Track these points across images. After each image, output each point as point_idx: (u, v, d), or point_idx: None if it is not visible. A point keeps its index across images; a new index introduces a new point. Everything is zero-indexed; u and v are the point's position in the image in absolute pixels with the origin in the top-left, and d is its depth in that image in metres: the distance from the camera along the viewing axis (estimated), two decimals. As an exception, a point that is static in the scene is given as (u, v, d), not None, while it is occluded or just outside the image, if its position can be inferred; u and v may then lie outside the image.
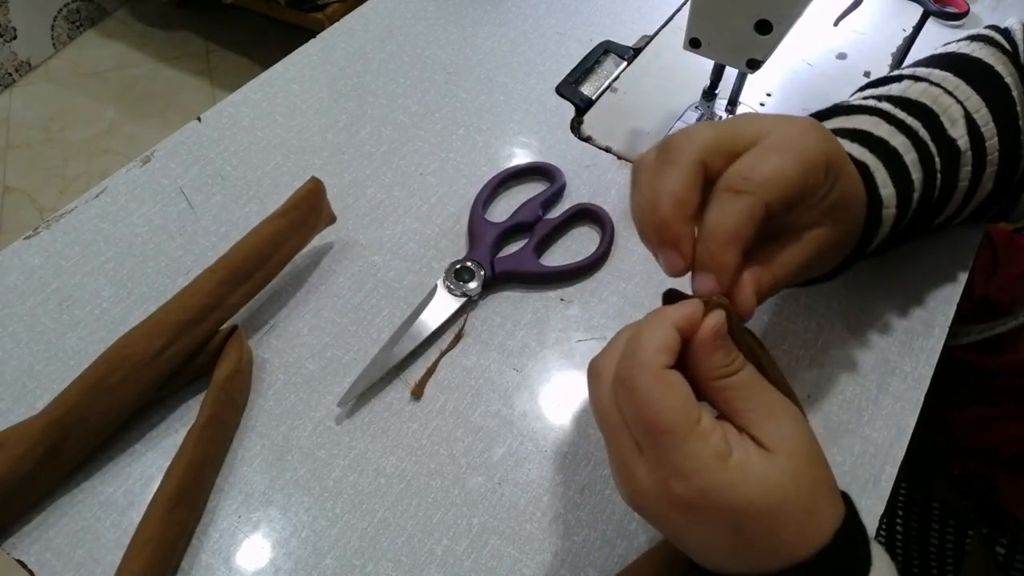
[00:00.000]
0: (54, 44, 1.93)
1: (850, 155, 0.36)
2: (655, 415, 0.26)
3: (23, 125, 1.78)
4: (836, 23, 0.66)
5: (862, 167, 0.36)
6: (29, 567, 0.37)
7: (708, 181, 0.30)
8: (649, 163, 0.31)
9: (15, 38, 1.83)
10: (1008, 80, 0.41)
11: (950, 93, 0.40)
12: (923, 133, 0.38)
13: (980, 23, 0.66)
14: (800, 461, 0.27)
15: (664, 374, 0.27)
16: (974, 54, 0.42)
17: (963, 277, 0.48)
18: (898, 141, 0.38)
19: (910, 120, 0.39)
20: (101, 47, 1.97)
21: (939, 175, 0.39)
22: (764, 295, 0.31)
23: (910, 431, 0.41)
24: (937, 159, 0.38)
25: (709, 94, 0.57)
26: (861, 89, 0.45)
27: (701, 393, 0.29)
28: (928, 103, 0.40)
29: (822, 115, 0.41)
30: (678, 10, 0.68)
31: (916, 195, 0.38)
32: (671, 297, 0.31)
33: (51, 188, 1.65)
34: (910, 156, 0.37)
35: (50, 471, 0.38)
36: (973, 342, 0.55)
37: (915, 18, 0.67)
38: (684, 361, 0.29)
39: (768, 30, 0.45)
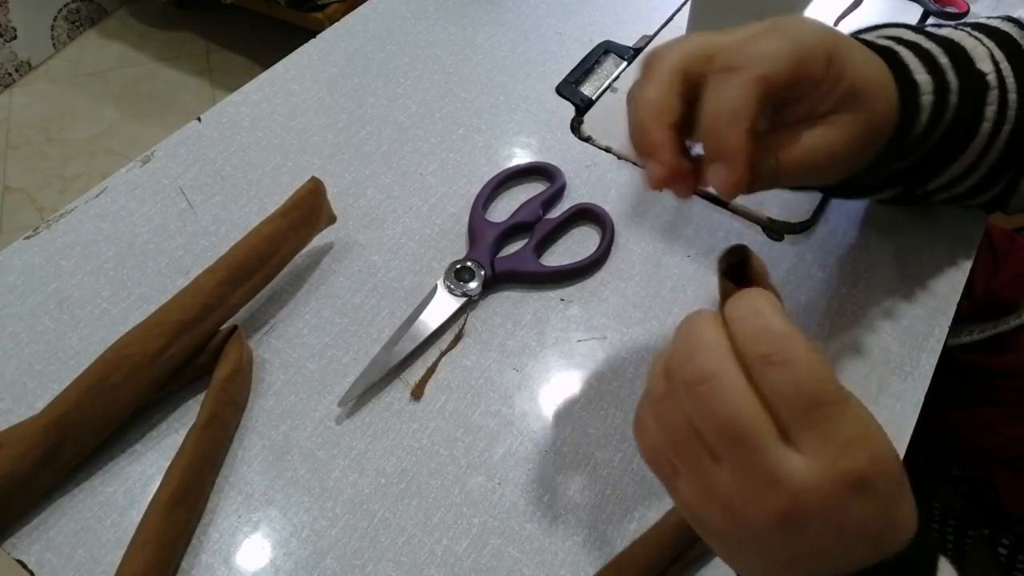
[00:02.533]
0: (54, 44, 1.93)
1: (872, 43, 0.35)
2: (821, 383, 0.24)
3: (23, 125, 1.78)
4: (836, 23, 0.66)
5: (888, 53, 0.35)
6: (29, 567, 0.37)
7: (694, 88, 0.29)
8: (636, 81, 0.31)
9: (15, 38, 1.83)
10: None
11: (977, 39, 0.40)
12: (955, 52, 0.38)
13: (980, 23, 0.66)
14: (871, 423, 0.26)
15: (741, 379, 0.25)
16: (992, 24, 0.42)
17: (964, 276, 0.48)
18: (930, 45, 0.37)
19: (936, 47, 0.38)
20: (101, 47, 1.96)
21: (970, 96, 0.38)
22: (765, 177, 0.31)
23: (911, 431, 0.41)
24: (965, 84, 0.37)
25: (709, 94, 0.57)
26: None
27: None
28: (955, 39, 0.39)
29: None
30: (678, 10, 0.68)
31: (954, 94, 0.36)
32: (731, 258, 0.29)
33: (51, 188, 1.65)
34: (943, 60, 0.37)
35: (50, 471, 0.38)
36: (974, 342, 0.55)
37: (915, 18, 0.67)
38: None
39: (768, 30, 0.45)
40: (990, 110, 0.39)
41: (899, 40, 0.37)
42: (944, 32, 0.40)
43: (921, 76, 0.35)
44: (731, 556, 0.28)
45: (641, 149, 0.29)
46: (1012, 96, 0.40)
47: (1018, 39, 0.41)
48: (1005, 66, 0.40)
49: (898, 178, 0.41)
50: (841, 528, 0.25)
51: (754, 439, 0.24)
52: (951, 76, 0.37)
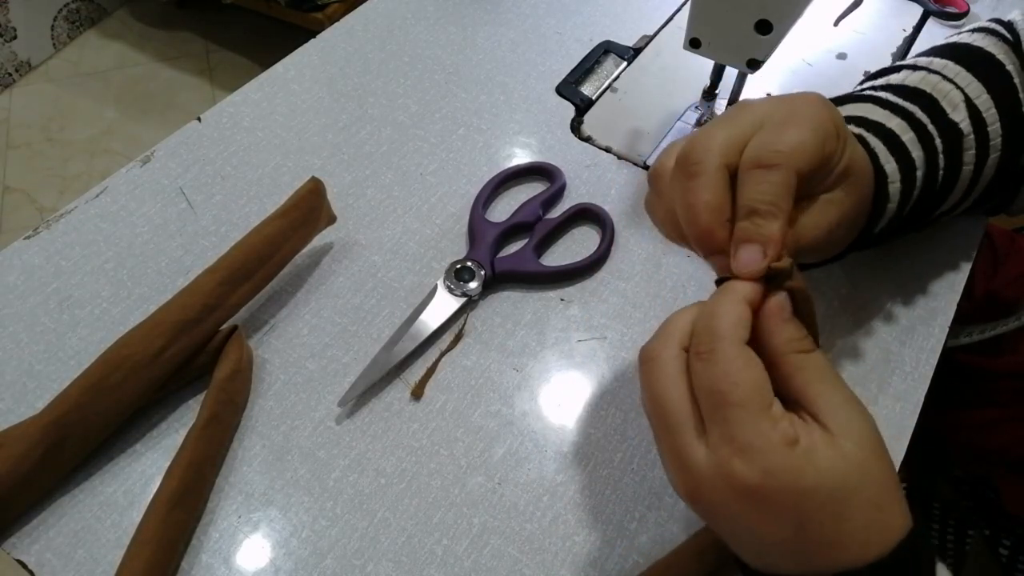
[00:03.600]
0: (54, 44, 1.93)
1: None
2: (732, 386, 0.25)
3: (23, 125, 1.78)
4: (836, 23, 0.66)
5: (863, 141, 0.36)
6: (29, 567, 0.37)
7: (731, 178, 0.30)
8: (668, 172, 0.31)
9: (15, 38, 1.83)
10: (1010, 68, 0.41)
11: (950, 80, 0.40)
12: (920, 115, 0.39)
13: (980, 23, 0.66)
14: (869, 453, 0.26)
15: (745, 347, 0.27)
16: (975, 43, 0.42)
17: (963, 276, 0.48)
18: (894, 123, 0.38)
19: (907, 104, 0.39)
20: (101, 47, 1.97)
21: (941, 156, 0.39)
22: (803, 251, 0.32)
23: (910, 431, 0.41)
24: (938, 140, 0.38)
25: (709, 94, 0.57)
26: (861, 83, 0.45)
27: (771, 374, 0.28)
28: (927, 89, 0.40)
29: None
30: (678, 10, 0.68)
31: (920, 173, 0.37)
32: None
33: (51, 188, 1.65)
34: (907, 136, 0.37)
35: (50, 471, 0.38)
36: (974, 343, 0.55)
37: (915, 18, 0.67)
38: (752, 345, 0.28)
39: (768, 30, 0.45)
40: (968, 155, 0.40)
41: (865, 122, 0.38)
42: (916, 81, 0.41)
43: (890, 165, 0.36)
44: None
45: (707, 249, 0.30)
46: (994, 128, 0.40)
47: (997, 54, 0.41)
48: (984, 99, 0.40)
49: (881, 235, 0.41)
50: (737, 528, 0.27)
51: (668, 421, 0.27)
52: (916, 152, 0.37)
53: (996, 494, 0.58)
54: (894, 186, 0.36)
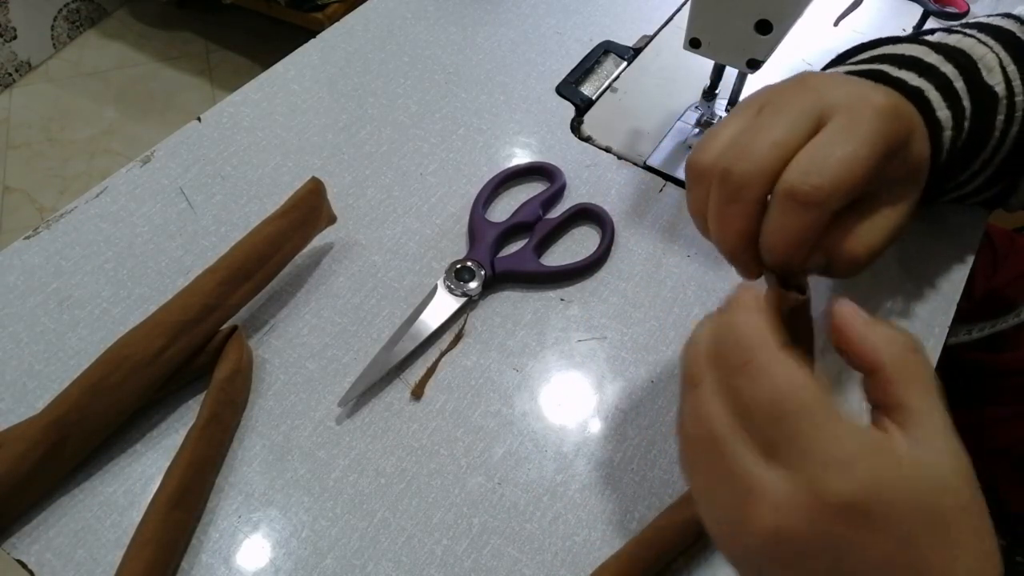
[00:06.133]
0: (54, 44, 1.93)
1: (904, 81, 0.35)
2: (789, 393, 0.22)
3: (23, 125, 1.78)
4: (836, 23, 0.66)
5: (917, 92, 0.35)
6: (29, 567, 0.37)
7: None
8: (704, 169, 0.30)
9: (15, 38, 1.83)
10: None
11: (987, 45, 0.40)
12: (963, 82, 0.38)
13: (980, 23, 0.66)
14: (952, 437, 0.23)
15: (784, 349, 0.23)
16: (994, 23, 0.42)
17: (964, 275, 0.48)
18: (947, 68, 0.37)
19: (953, 68, 0.39)
20: (101, 47, 1.97)
21: (969, 118, 0.38)
22: (862, 264, 0.30)
23: (910, 431, 0.41)
24: (967, 101, 0.38)
25: (709, 94, 0.57)
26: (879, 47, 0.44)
27: None
28: (966, 50, 0.39)
29: (867, 45, 0.41)
30: (678, 10, 0.68)
31: (967, 123, 0.37)
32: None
33: (51, 188, 1.65)
34: (959, 84, 0.37)
35: (50, 471, 0.38)
36: (974, 341, 0.55)
37: (915, 18, 0.67)
38: None
39: (768, 30, 0.45)
40: (998, 120, 0.39)
41: (919, 64, 0.37)
42: (954, 41, 0.40)
43: (942, 113, 0.35)
44: None
45: (732, 262, 0.30)
46: (1019, 99, 0.40)
47: (1021, 36, 0.41)
48: (1012, 70, 0.40)
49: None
50: (836, 555, 0.22)
51: (731, 453, 0.23)
52: (965, 102, 0.37)
53: (997, 495, 0.58)
54: (946, 134, 0.35)
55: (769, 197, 0.28)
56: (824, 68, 0.44)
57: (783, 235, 0.28)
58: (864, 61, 0.40)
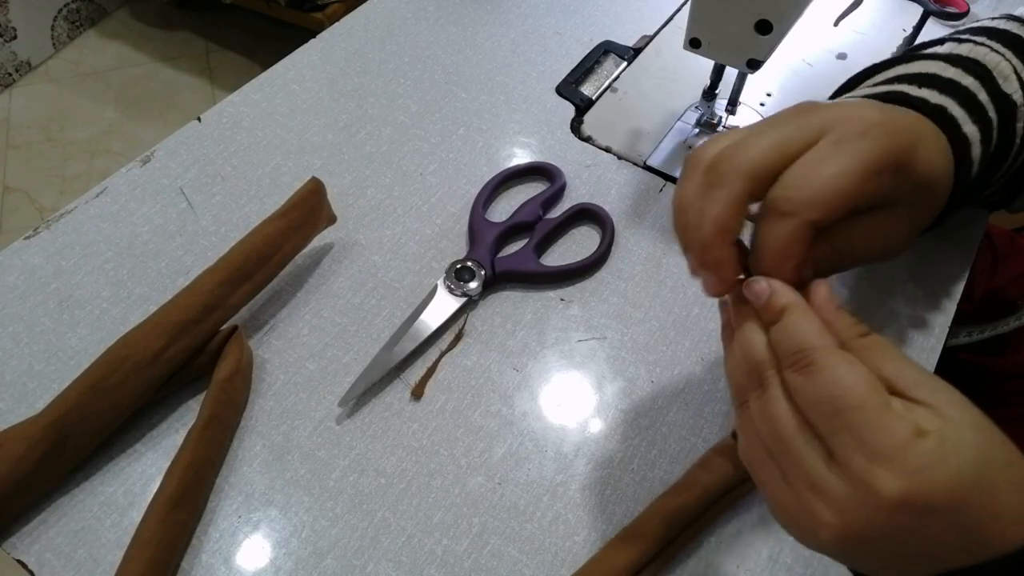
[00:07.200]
0: (54, 44, 1.93)
1: (925, 100, 0.35)
2: (846, 389, 0.24)
3: (23, 125, 1.77)
4: (836, 23, 0.66)
5: (939, 111, 0.35)
6: (29, 567, 0.37)
7: (758, 199, 0.29)
8: (697, 171, 0.30)
9: (15, 38, 1.82)
10: None
11: (1000, 54, 0.40)
12: (986, 94, 0.38)
13: (980, 23, 0.66)
14: (977, 415, 0.24)
15: (841, 350, 0.25)
16: (999, 27, 0.42)
17: (964, 276, 0.48)
18: (968, 81, 0.37)
19: (974, 80, 0.38)
20: (101, 47, 1.96)
21: (996, 129, 0.38)
22: (825, 272, 0.31)
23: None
24: (993, 112, 0.38)
25: (709, 94, 0.57)
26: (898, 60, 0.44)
27: None
28: (979, 59, 0.39)
29: (880, 67, 0.41)
30: (678, 10, 0.68)
31: (995, 134, 0.37)
32: None
33: (51, 188, 1.65)
34: (983, 96, 0.37)
35: (50, 471, 0.38)
36: (974, 343, 0.55)
37: (915, 18, 0.67)
38: None
39: (768, 30, 0.45)
40: (1019, 127, 0.39)
41: (938, 81, 0.37)
42: (966, 51, 0.40)
43: (969, 128, 0.35)
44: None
45: (701, 260, 0.29)
46: None
47: (1020, 34, 0.41)
48: None
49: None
50: (899, 545, 0.24)
51: (798, 454, 0.25)
52: (992, 113, 0.37)
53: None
54: (976, 148, 0.35)
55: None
56: (833, 94, 0.43)
57: (768, 243, 0.28)
58: (881, 83, 0.39)
